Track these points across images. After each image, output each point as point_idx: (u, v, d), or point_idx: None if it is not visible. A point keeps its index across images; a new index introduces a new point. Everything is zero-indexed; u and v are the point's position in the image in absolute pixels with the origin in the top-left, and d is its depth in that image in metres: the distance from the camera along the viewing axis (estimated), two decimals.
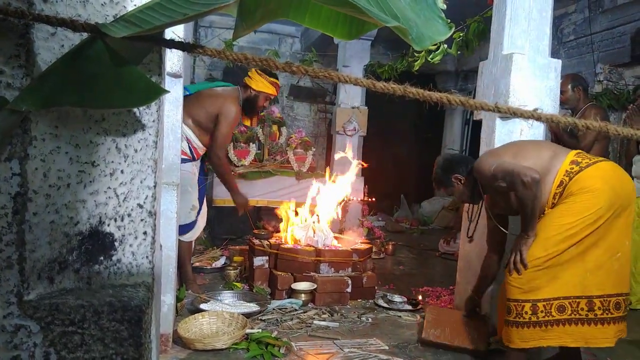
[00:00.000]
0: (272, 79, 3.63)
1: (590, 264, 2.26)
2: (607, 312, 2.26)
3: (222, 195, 5.00)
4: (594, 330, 2.26)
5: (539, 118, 0.92)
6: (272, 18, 1.14)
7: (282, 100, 7.77)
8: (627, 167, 4.03)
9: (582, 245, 2.25)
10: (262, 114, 5.17)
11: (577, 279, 2.25)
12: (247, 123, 3.83)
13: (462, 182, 2.67)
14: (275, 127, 5.88)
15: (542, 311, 2.25)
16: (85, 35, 0.87)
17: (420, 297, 3.71)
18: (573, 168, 2.34)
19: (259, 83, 3.60)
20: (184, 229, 3.31)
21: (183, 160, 3.39)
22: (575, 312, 2.25)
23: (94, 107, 0.93)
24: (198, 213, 3.49)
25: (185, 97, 3.46)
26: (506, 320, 2.31)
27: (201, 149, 3.55)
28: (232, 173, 3.89)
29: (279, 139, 5.85)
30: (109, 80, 0.85)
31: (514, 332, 2.28)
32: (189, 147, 3.43)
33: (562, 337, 2.27)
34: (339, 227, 5.10)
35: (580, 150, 2.57)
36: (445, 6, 1.02)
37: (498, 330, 2.55)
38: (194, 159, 3.50)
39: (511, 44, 3.02)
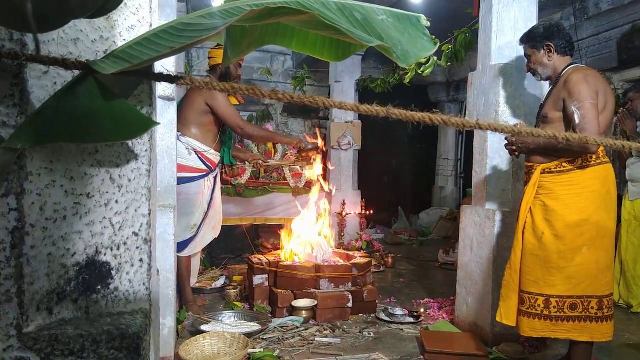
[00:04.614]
0: None
1: (602, 265, 2.36)
2: (610, 309, 2.37)
3: None
4: (601, 327, 2.35)
5: (519, 133, 0.94)
6: (260, 45, 1.17)
7: (277, 117, 7.82)
8: (621, 171, 4.07)
9: (595, 246, 2.34)
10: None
11: (590, 279, 2.35)
12: (235, 101, 3.75)
13: (552, 50, 2.51)
14: (270, 145, 5.90)
15: (554, 307, 2.36)
16: (77, 72, 0.90)
17: (422, 310, 3.70)
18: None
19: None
20: (180, 246, 3.28)
21: (192, 180, 3.38)
22: (585, 310, 2.35)
23: (87, 141, 0.96)
24: (199, 229, 3.47)
25: None
26: (519, 309, 2.45)
27: (213, 155, 3.49)
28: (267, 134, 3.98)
29: (274, 156, 5.88)
30: (100, 115, 0.87)
31: (525, 322, 2.42)
32: (200, 160, 3.40)
33: (570, 331, 2.37)
34: (338, 242, 5.11)
35: None
36: (429, 24, 1.05)
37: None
38: (211, 170, 3.46)
39: (499, 55, 3.07)
